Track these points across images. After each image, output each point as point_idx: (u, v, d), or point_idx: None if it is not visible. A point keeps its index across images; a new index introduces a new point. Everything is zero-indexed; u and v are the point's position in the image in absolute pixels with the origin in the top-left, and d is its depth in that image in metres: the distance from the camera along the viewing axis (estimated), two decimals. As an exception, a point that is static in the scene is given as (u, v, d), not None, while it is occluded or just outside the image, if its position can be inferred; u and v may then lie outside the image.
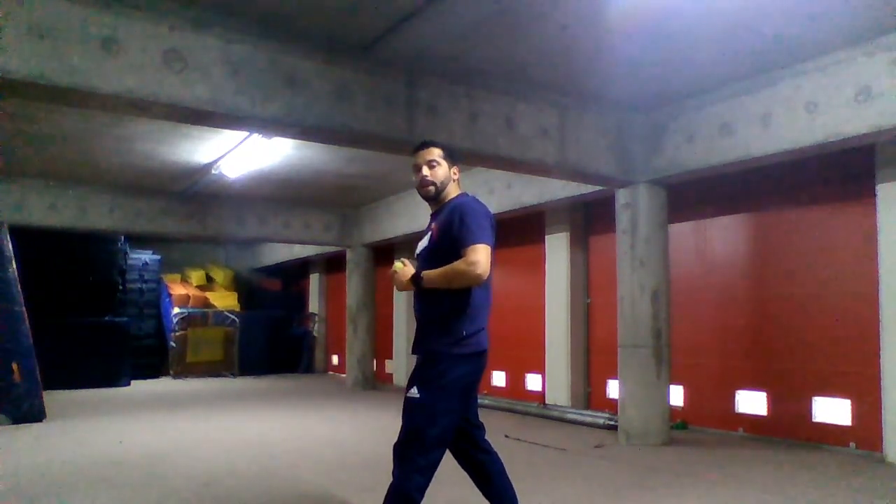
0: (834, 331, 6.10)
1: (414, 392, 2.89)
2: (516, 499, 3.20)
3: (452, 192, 3.15)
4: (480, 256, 2.80)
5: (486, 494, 3.19)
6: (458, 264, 2.83)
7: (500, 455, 3.24)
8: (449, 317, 2.90)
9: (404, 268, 3.00)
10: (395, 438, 2.91)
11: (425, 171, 3.09)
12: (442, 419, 2.85)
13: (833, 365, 6.09)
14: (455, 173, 3.17)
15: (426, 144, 3.16)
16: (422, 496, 2.84)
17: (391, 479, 2.87)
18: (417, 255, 3.16)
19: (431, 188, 3.09)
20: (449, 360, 2.86)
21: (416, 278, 2.93)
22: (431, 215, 3.19)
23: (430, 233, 3.08)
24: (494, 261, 2.94)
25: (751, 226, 6.95)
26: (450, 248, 2.90)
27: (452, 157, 3.17)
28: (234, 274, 16.40)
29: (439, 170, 3.09)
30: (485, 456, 3.17)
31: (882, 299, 5.57)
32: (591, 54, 5.15)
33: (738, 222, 7.07)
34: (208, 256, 16.80)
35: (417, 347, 3.01)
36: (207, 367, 14.03)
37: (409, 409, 2.89)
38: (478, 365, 2.96)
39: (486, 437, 3.22)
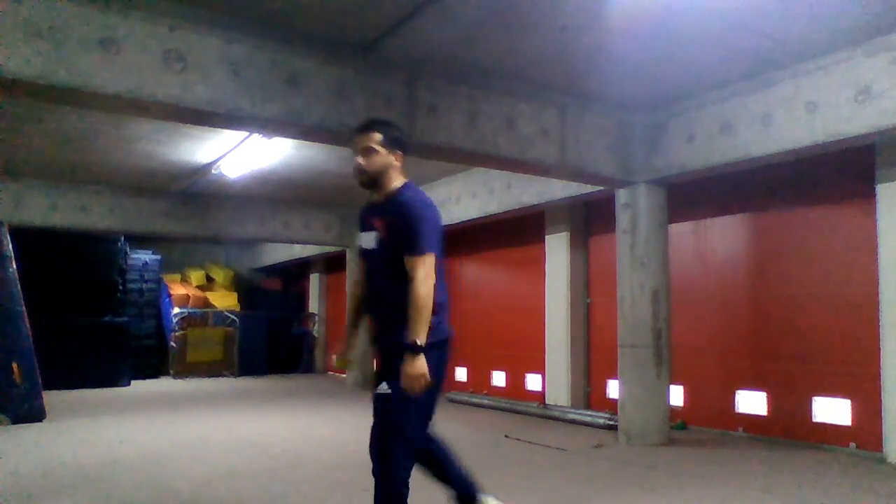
0: (834, 331, 6.10)
1: (384, 388, 2.82)
2: (471, 477, 3.19)
3: (394, 180, 2.95)
4: (427, 269, 2.75)
5: (446, 481, 3.18)
6: (416, 293, 2.70)
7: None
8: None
9: (413, 363, 2.70)
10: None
11: (359, 158, 2.89)
12: (416, 410, 2.83)
13: (833, 365, 6.09)
14: (397, 160, 2.95)
15: (364, 128, 2.94)
16: (408, 489, 2.83)
17: (374, 482, 2.84)
18: (364, 252, 3.01)
19: (363, 177, 2.91)
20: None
21: (415, 348, 2.70)
22: (372, 206, 3.01)
23: (374, 231, 2.92)
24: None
25: (751, 226, 6.95)
26: (401, 249, 2.80)
27: (396, 143, 2.96)
28: (234, 274, 16.39)
29: (376, 158, 2.88)
30: (432, 445, 3.14)
31: (882, 299, 5.57)
32: (591, 54, 5.15)
33: (738, 222, 7.07)
34: (208, 256, 16.79)
35: (381, 340, 2.94)
36: (207, 367, 14.02)
37: (383, 405, 2.84)
38: (446, 353, 2.92)
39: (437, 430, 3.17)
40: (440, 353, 2.86)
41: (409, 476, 2.83)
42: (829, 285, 6.17)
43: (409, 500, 2.82)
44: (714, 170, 5.95)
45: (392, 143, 2.95)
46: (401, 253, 2.80)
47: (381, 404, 2.85)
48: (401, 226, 2.80)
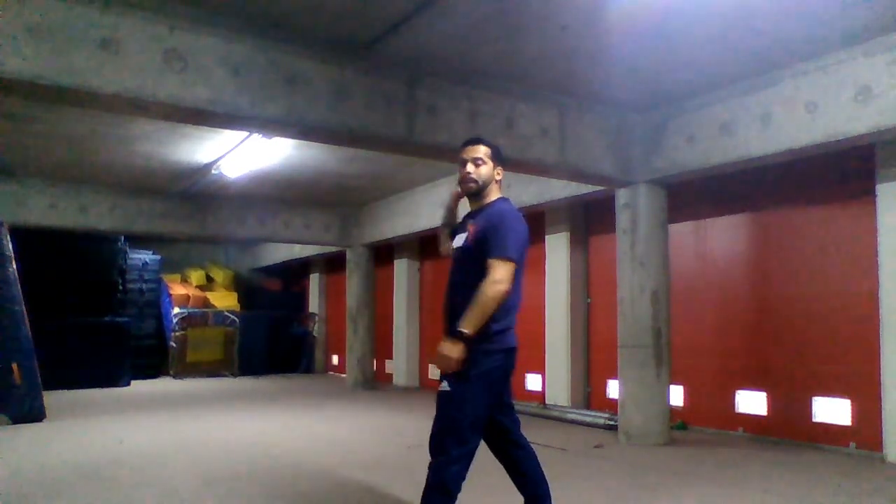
0: (834, 331, 6.10)
1: (444, 385, 2.96)
2: (549, 494, 3.25)
3: (494, 193, 3.19)
4: (505, 274, 2.86)
5: (520, 488, 3.26)
6: (484, 290, 2.83)
7: None
8: None
9: (451, 346, 2.84)
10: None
11: (469, 167, 3.13)
12: (472, 410, 2.91)
13: (833, 365, 6.09)
14: (499, 174, 3.21)
15: (474, 141, 3.21)
16: (459, 487, 2.90)
17: (425, 475, 2.93)
18: (453, 252, 3.21)
19: (473, 185, 3.14)
20: (476, 355, 2.90)
21: (460, 336, 2.82)
22: (469, 214, 3.21)
23: (466, 233, 3.12)
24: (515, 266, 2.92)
25: (751, 226, 6.95)
26: (485, 253, 2.95)
27: (499, 158, 3.21)
28: (234, 274, 16.39)
29: (483, 168, 3.12)
30: (519, 451, 3.24)
31: (882, 299, 5.56)
32: (591, 54, 5.15)
33: (738, 222, 7.07)
34: (208, 256, 16.80)
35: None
36: (207, 367, 14.03)
37: (441, 401, 2.97)
38: (504, 361, 3.01)
39: (521, 432, 3.30)
40: (496, 360, 2.97)
41: (461, 474, 2.90)
42: (829, 285, 6.17)
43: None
44: (714, 170, 5.95)
45: (496, 158, 3.19)
46: (484, 257, 2.92)
47: (439, 400, 2.97)
48: (490, 231, 2.96)
